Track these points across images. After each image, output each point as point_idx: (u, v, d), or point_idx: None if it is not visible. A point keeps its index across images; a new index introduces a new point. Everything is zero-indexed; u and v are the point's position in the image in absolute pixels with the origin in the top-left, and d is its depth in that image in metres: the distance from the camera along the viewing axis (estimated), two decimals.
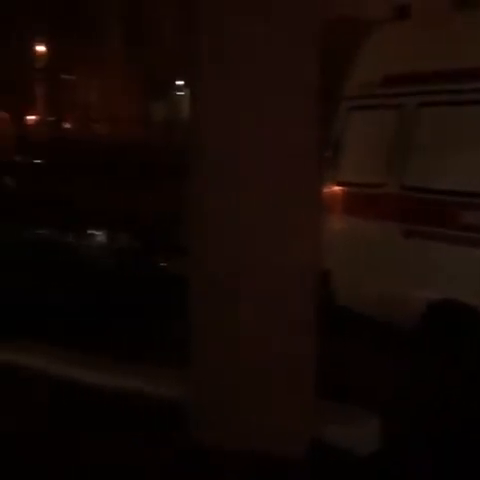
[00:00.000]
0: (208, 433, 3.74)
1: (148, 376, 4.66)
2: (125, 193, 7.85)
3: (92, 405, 4.40)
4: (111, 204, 7.66)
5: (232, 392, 3.69)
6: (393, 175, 5.91)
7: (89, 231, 7.37)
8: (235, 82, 3.42)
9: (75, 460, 3.85)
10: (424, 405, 5.04)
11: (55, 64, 33.29)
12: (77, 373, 4.85)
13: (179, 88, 38.15)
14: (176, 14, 32.81)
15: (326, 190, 6.51)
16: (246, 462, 3.61)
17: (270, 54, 3.39)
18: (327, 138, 6.65)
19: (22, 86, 33.65)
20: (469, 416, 4.94)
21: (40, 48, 33.42)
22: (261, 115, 3.45)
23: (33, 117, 36.35)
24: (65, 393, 4.61)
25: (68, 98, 36.23)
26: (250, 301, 3.60)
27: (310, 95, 3.45)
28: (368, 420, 4.13)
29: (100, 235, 7.34)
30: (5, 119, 39.85)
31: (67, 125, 35.96)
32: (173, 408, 4.04)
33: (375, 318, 5.93)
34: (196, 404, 3.85)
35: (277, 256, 3.58)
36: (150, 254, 7.30)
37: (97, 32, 32.94)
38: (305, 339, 3.64)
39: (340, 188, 6.58)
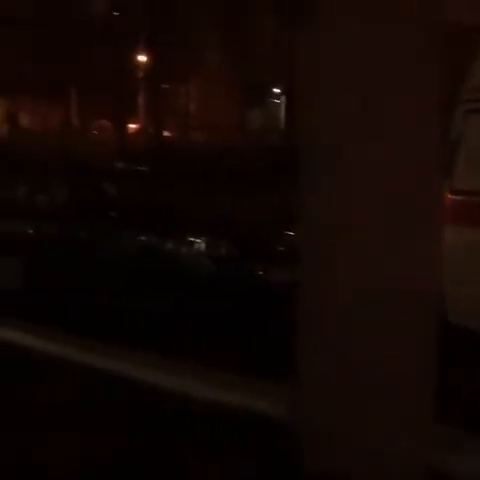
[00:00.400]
0: (314, 458, 3.53)
1: (249, 389, 4.54)
2: (223, 199, 7.91)
3: (189, 418, 4.27)
4: (210, 211, 7.72)
5: (343, 414, 3.51)
6: None
7: (188, 238, 7.40)
8: (352, 86, 3.28)
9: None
10: None
11: (155, 73, 33.95)
12: (173, 382, 4.75)
13: (276, 95, 38.20)
14: (274, 21, 32.88)
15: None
16: None
17: (390, 57, 3.26)
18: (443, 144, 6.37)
19: (123, 95, 34.50)
20: None
21: (141, 57, 34.17)
22: (380, 121, 3.28)
23: (134, 125, 37.23)
24: (161, 402, 4.51)
25: (168, 106, 36.88)
26: (365, 316, 3.39)
27: (432, 99, 3.28)
28: None
29: (199, 242, 7.35)
30: (107, 127, 41.02)
31: (167, 133, 36.62)
32: (275, 426, 3.90)
33: None
34: (302, 424, 3.67)
35: (395, 269, 3.37)
36: (248, 262, 7.24)
37: (196, 40, 33.39)
38: (426, 358, 3.37)
39: (455, 197, 6.27)
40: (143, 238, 7.59)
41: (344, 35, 3.30)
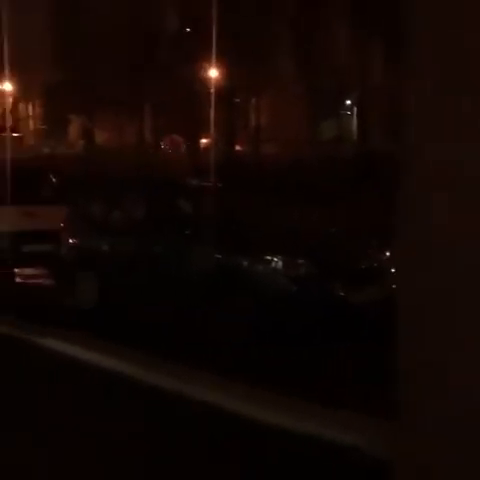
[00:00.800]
0: None
1: (342, 423, 4.24)
2: (299, 214, 7.68)
3: (272, 449, 4.09)
4: (285, 226, 7.47)
5: (446, 454, 3.28)
6: None
7: (263, 255, 7.11)
8: (459, 97, 3.07)
9: None
10: None
11: (227, 87, 34.14)
12: (253, 411, 4.53)
13: (347, 107, 37.90)
14: (345, 34, 32.63)
15: None
16: None
17: None
18: None
19: (195, 109, 34.79)
20: None
21: (212, 72, 34.41)
22: None
23: (206, 140, 37.48)
24: (237, 432, 4.33)
25: (239, 120, 37.00)
26: (473, 342, 3.11)
27: None
28: None
29: (274, 259, 6.99)
30: (179, 142, 41.45)
31: (238, 147, 36.72)
32: (372, 463, 3.67)
33: None
34: (402, 464, 3.44)
35: None
36: (328, 281, 6.88)
37: (267, 53, 33.44)
38: None
39: None
40: (218, 255, 7.39)
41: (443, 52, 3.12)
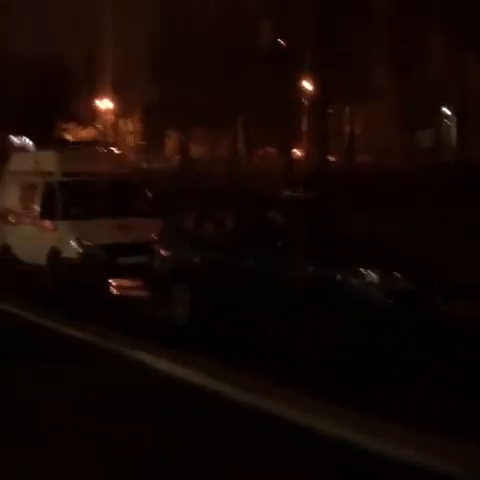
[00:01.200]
0: None
1: (438, 450, 3.99)
2: (395, 226, 7.42)
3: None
4: (381, 238, 7.23)
5: None
6: None
7: (357, 268, 6.83)
8: None
9: None
10: None
11: (321, 98, 33.95)
12: (345, 433, 4.37)
13: (445, 116, 37.00)
14: (444, 42, 31.88)
15: None
16: None
17: None
18: None
19: (289, 121, 34.75)
20: None
21: (306, 83, 34.31)
22: None
23: (299, 151, 37.36)
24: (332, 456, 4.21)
25: (333, 131, 36.70)
26: None
27: None
28: None
29: (369, 273, 6.76)
30: (272, 154, 41.49)
31: (332, 157, 36.41)
32: None
33: None
34: None
35: None
36: (430, 295, 6.55)
37: (362, 63, 33.05)
38: None
39: None
40: (310, 267, 7.23)
41: None
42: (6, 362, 6.88)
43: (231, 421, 4.89)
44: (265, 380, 5.71)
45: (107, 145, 13.83)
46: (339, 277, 6.83)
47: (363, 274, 6.70)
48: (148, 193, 12.34)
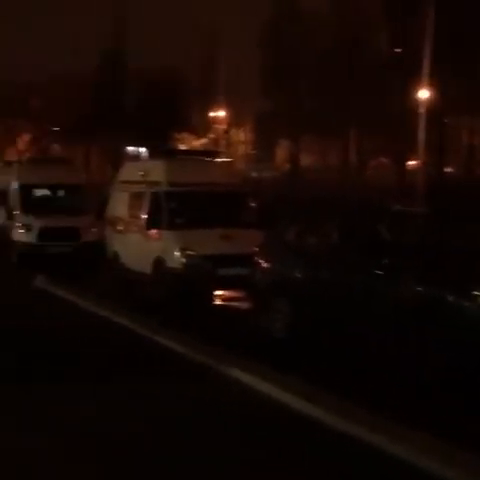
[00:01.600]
0: None
1: None
2: None
3: None
4: None
5: None
6: None
7: (471, 290, 6.30)
8: None
9: None
10: None
11: (437, 108, 32.93)
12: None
13: None
14: None
15: None
16: None
17: None
18: None
19: (403, 130, 33.90)
20: None
21: (423, 92, 33.41)
22: None
23: (414, 162, 36.37)
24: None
25: (450, 141, 35.52)
26: None
27: None
28: None
29: None
30: (385, 165, 40.67)
31: (449, 169, 35.24)
32: None
33: None
34: None
35: None
36: None
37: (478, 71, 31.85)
38: None
39: None
40: (419, 287, 6.77)
41: None
42: (100, 374, 6.84)
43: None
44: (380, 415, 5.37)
45: (217, 155, 13.75)
46: (451, 298, 6.39)
47: (477, 297, 6.23)
48: (253, 203, 12.16)
